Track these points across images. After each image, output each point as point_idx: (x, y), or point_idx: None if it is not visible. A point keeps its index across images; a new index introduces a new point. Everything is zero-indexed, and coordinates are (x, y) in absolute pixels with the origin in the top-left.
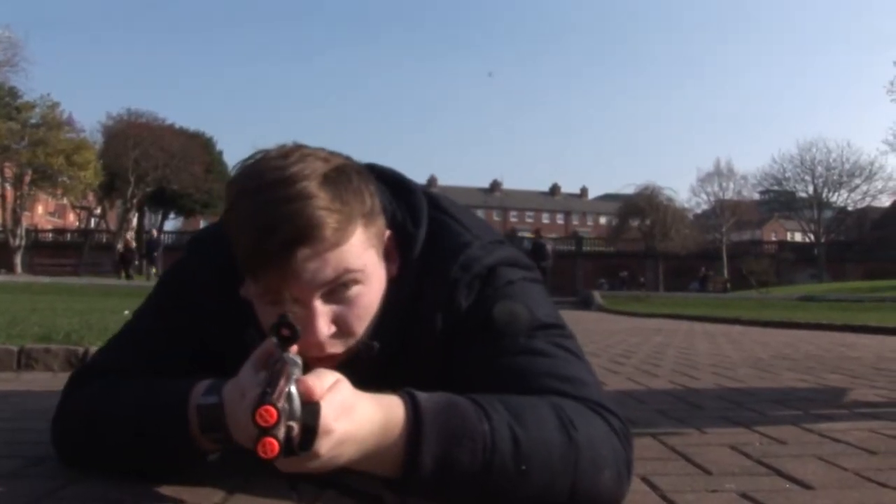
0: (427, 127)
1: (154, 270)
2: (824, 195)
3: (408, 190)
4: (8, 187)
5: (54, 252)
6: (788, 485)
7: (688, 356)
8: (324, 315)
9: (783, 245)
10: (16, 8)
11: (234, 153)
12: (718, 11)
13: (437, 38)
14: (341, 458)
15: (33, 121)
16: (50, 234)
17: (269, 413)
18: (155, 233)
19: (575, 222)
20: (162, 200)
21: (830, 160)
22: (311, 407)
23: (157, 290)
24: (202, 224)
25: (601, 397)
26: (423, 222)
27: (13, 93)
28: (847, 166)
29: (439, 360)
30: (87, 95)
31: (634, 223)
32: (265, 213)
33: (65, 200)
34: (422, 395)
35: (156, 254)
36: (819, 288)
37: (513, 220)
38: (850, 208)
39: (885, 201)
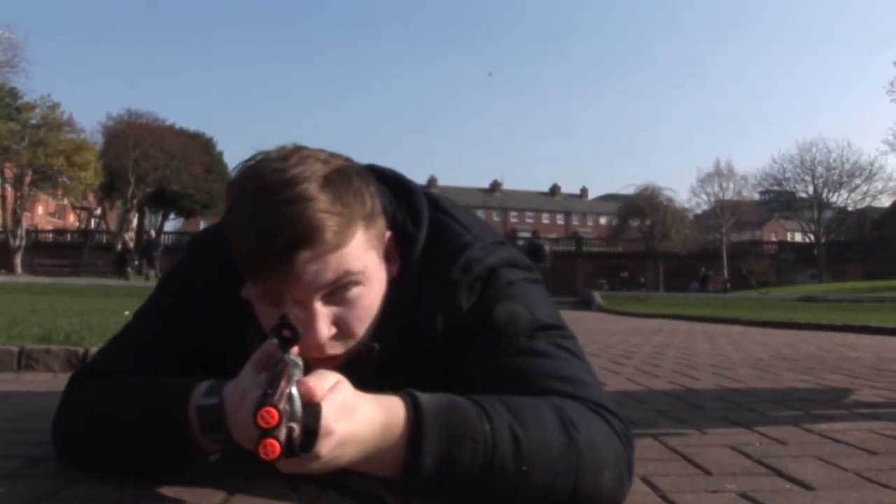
0: (427, 127)
1: (153, 271)
2: (824, 195)
3: (408, 191)
4: (8, 188)
5: (54, 252)
6: (789, 485)
7: (688, 357)
8: (324, 317)
9: (783, 245)
10: (16, 8)
11: (234, 153)
12: (718, 11)
13: (437, 38)
14: (342, 459)
15: (33, 121)
16: (50, 235)
17: (271, 414)
18: (153, 233)
19: (575, 223)
20: (162, 201)
21: (830, 160)
22: (312, 408)
23: (157, 291)
24: (202, 225)
25: (602, 398)
26: (423, 223)
27: (13, 93)
28: (847, 166)
29: (440, 361)
30: (87, 96)
31: (634, 223)
32: (266, 215)
33: (65, 201)
34: (423, 396)
35: (155, 254)
36: (819, 288)
37: (513, 220)
38: (850, 208)
39: (885, 201)
